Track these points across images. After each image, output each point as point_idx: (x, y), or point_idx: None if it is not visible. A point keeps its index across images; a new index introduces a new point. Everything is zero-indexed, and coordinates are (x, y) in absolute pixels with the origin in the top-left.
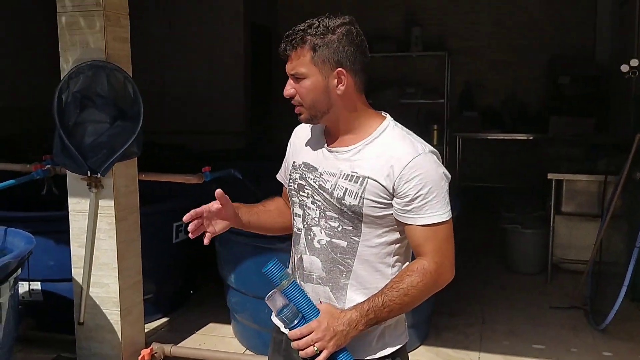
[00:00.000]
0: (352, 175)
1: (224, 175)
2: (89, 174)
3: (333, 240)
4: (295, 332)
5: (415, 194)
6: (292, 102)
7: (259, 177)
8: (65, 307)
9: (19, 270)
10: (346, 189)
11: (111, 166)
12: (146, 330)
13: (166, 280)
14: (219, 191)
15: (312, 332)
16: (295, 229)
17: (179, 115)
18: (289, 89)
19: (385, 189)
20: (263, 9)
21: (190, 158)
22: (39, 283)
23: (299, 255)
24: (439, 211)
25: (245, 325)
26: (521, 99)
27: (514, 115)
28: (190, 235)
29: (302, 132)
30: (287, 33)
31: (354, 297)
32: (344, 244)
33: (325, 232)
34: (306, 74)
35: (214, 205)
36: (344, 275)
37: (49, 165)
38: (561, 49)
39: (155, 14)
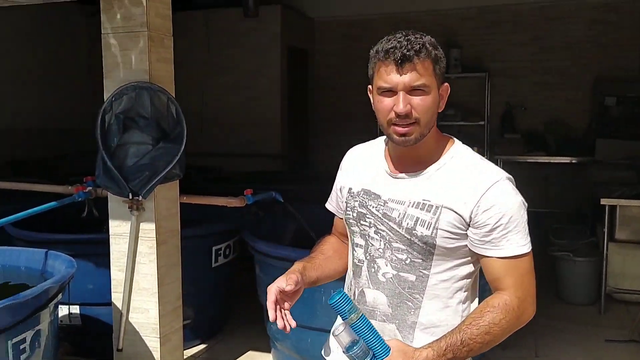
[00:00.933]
0: (424, 203)
1: (265, 198)
2: (130, 197)
3: (400, 273)
4: None
5: (495, 223)
6: (403, 120)
7: (298, 200)
8: (103, 332)
9: (60, 296)
10: (417, 219)
11: (153, 189)
12: (184, 357)
13: (204, 306)
14: (292, 278)
15: None
16: (355, 260)
17: (215, 137)
18: (407, 105)
19: (462, 218)
20: (300, 32)
21: (225, 181)
22: (77, 307)
23: (359, 289)
24: (519, 242)
25: (286, 355)
26: (565, 120)
27: (557, 137)
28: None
29: (355, 156)
30: (403, 42)
31: (423, 336)
32: (412, 277)
33: (391, 265)
34: (430, 88)
35: (287, 287)
36: (412, 312)
37: (90, 187)
38: (605, 69)
39: (195, 38)
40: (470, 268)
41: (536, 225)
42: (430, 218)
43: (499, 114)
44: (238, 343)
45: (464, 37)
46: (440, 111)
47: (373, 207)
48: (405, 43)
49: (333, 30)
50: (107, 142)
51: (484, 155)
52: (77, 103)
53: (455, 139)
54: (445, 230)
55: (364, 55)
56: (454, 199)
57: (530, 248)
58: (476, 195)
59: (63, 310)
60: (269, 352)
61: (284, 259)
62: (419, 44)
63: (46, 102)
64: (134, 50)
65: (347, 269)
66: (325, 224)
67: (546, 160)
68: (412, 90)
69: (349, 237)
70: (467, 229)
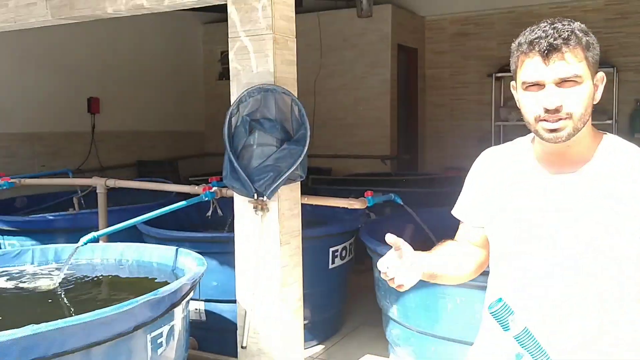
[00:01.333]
0: (606, 204)
1: (385, 200)
2: (255, 197)
3: (585, 290)
4: None
5: None
6: (553, 116)
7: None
8: (226, 329)
9: (192, 293)
10: (603, 224)
11: (277, 189)
12: (304, 357)
13: (321, 307)
14: (389, 236)
15: None
16: (521, 279)
17: (324, 139)
18: (556, 99)
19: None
20: (410, 31)
21: (335, 182)
22: (202, 303)
23: (532, 310)
24: None
25: None
26: None
27: None
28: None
29: (496, 159)
30: (550, 31)
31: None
32: (599, 292)
33: (571, 280)
34: (582, 78)
35: (390, 254)
36: (604, 336)
37: (216, 187)
38: None
39: (308, 40)
40: None
41: None
42: (619, 221)
43: (628, 112)
44: (355, 346)
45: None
46: (595, 103)
47: (539, 218)
48: (552, 32)
49: (444, 28)
50: (234, 143)
51: None
52: (193, 108)
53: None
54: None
55: (478, 53)
56: (633, 193)
57: None
58: None
59: (191, 306)
60: (387, 357)
61: None
62: (567, 31)
63: (167, 106)
64: (260, 53)
65: (471, 276)
66: (445, 227)
67: None
68: (562, 82)
69: (499, 252)
70: None
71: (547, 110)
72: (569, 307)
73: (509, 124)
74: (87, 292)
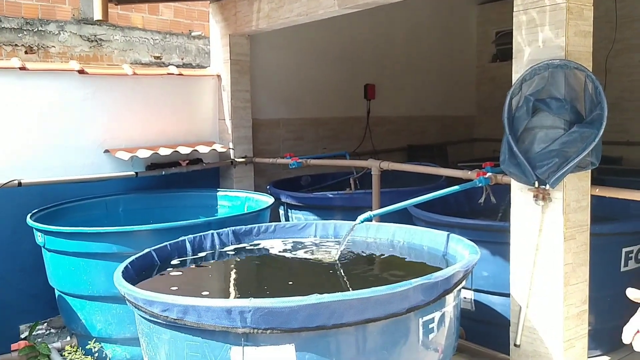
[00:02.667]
0: None
1: None
2: (536, 185)
3: None
4: None
5: None
6: None
7: None
8: (496, 322)
9: (464, 281)
10: None
11: (562, 177)
12: None
13: (609, 314)
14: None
15: None
16: None
17: (615, 123)
18: None
19: None
20: None
21: (627, 173)
22: (471, 292)
23: None
24: None
25: None
26: None
27: None
28: None
29: None
30: None
31: None
32: None
33: None
34: None
35: None
36: None
37: (490, 173)
38: None
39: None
40: None
41: None
42: None
43: None
44: None
45: None
46: None
47: None
48: None
49: None
50: (514, 126)
51: None
52: (464, 92)
53: None
54: None
55: None
56: None
57: None
58: None
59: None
60: None
61: None
62: None
63: (438, 91)
64: (549, 25)
65: None
66: None
67: None
68: None
69: None
70: None
71: None
72: None
73: None
74: (361, 268)
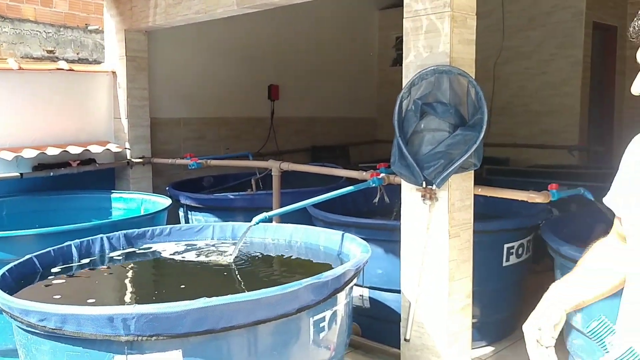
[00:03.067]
0: None
1: (573, 195)
2: (424, 185)
3: None
4: None
5: None
6: None
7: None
8: (390, 319)
9: (355, 279)
10: None
11: (447, 178)
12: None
13: (493, 307)
14: (553, 318)
15: None
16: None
17: (503, 126)
18: (636, 86)
19: None
20: (608, 7)
21: (513, 174)
22: (367, 290)
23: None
24: None
25: None
26: None
27: None
28: None
29: (636, 149)
30: None
31: None
32: None
33: None
34: None
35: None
36: None
37: (384, 174)
38: None
39: (488, 21)
40: None
41: None
42: None
43: None
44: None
45: None
46: None
47: None
48: None
49: None
50: (404, 128)
51: None
52: (366, 94)
53: None
54: None
55: None
56: None
57: None
58: None
59: (355, 292)
60: None
61: None
62: None
63: (341, 93)
64: (435, 33)
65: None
66: None
67: None
68: None
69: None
70: None
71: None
72: None
73: None
74: (258, 269)
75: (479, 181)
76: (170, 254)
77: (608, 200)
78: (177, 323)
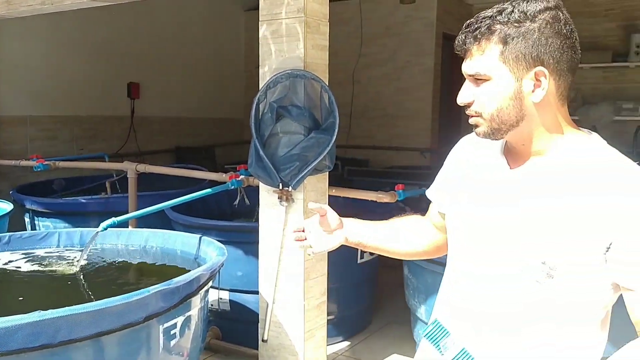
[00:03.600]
0: (553, 212)
1: (421, 195)
2: (280, 187)
3: (519, 296)
4: None
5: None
6: (467, 111)
7: None
8: (250, 320)
9: (210, 282)
10: (542, 230)
11: (303, 179)
12: (327, 353)
13: (348, 302)
14: (311, 204)
15: None
16: (458, 272)
17: (363, 129)
18: (466, 94)
19: (603, 233)
20: (456, 19)
21: (372, 174)
22: (227, 292)
23: (466, 305)
24: None
25: None
26: None
27: None
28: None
29: (469, 148)
30: (469, 22)
31: None
32: (535, 301)
33: (505, 285)
34: (491, 75)
35: (313, 218)
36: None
37: (243, 176)
38: None
39: (349, 28)
40: (603, 297)
41: None
42: (559, 230)
43: None
44: (382, 344)
45: None
46: (537, 101)
47: (486, 214)
48: (473, 22)
49: None
50: (261, 130)
51: None
52: (233, 95)
53: (594, 134)
54: (576, 249)
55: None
56: (591, 209)
57: None
58: (627, 210)
59: (213, 295)
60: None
61: (433, 261)
62: (483, 20)
63: (207, 93)
64: (290, 37)
65: (427, 255)
66: None
67: None
68: (475, 79)
69: (449, 253)
70: (608, 250)
71: (460, 105)
72: (506, 316)
73: None
74: (108, 277)
75: (340, 182)
76: (8, 264)
77: (430, 194)
78: (7, 339)
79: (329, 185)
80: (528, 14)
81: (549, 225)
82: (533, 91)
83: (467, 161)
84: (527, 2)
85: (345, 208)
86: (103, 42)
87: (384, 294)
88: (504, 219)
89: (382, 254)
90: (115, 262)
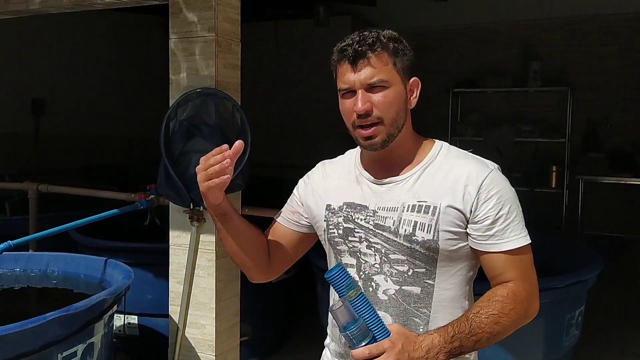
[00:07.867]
0: (419, 205)
1: None
2: (191, 207)
3: (403, 287)
4: (363, 351)
5: (496, 215)
6: (365, 120)
7: None
8: (161, 344)
9: (115, 307)
10: (416, 223)
11: None
12: None
13: (263, 323)
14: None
15: (383, 353)
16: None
17: (281, 149)
18: (365, 103)
19: (462, 214)
20: None
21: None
22: (136, 317)
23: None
24: (521, 233)
25: None
26: None
27: None
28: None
29: (327, 170)
30: (356, 38)
31: None
32: (417, 290)
33: (392, 280)
34: (390, 82)
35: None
36: (421, 329)
37: (153, 196)
38: None
39: (265, 49)
40: (470, 272)
41: (621, 252)
42: (430, 220)
43: (582, 130)
44: None
45: (545, 49)
46: (411, 108)
47: (361, 219)
48: (358, 39)
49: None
50: (171, 149)
51: (564, 175)
52: (150, 112)
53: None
54: (447, 231)
55: (436, 67)
56: (450, 194)
57: (530, 240)
58: (475, 186)
59: (120, 320)
60: None
61: None
62: (373, 37)
63: (121, 110)
64: (201, 56)
65: (258, 265)
66: None
67: (634, 182)
68: (371, 88)
69: (329, 259)
70: (467, 226)
71: (359, 115)
72: (398, 309)
73: (465, 139)
74: (3, 305)
75: (256, 202)
76: None
77: (281, 219)
78: None
79: (242, 205)
80: (394, 36)
81: (430, 209)
82: (409, 99)
83: (324, 182)
84: (378, 29)
85: (262, 227)
86: (4, 55)
87: (302, 314)
88: (385, 214)
89: (233, 246)
90: (14, 287)
